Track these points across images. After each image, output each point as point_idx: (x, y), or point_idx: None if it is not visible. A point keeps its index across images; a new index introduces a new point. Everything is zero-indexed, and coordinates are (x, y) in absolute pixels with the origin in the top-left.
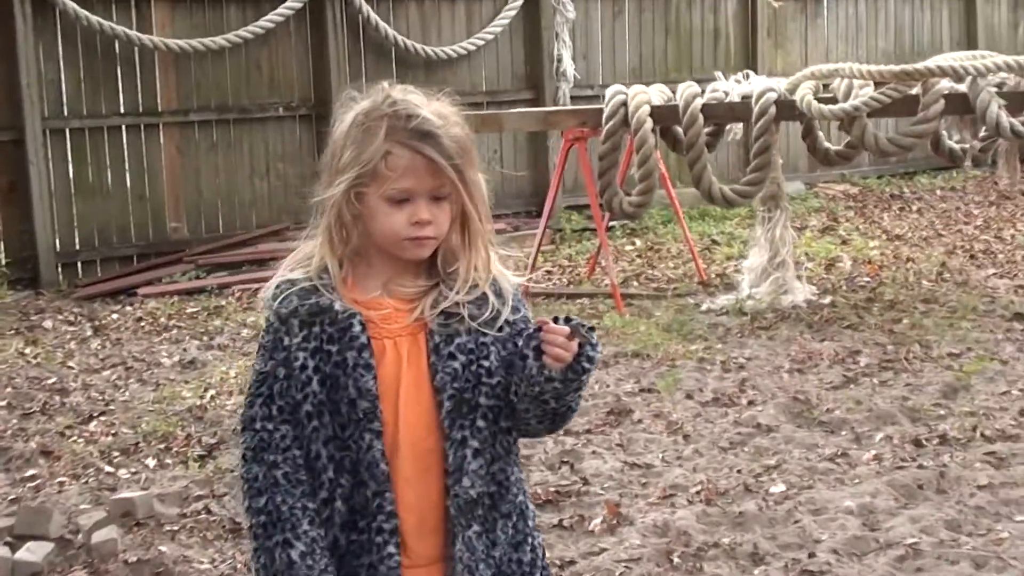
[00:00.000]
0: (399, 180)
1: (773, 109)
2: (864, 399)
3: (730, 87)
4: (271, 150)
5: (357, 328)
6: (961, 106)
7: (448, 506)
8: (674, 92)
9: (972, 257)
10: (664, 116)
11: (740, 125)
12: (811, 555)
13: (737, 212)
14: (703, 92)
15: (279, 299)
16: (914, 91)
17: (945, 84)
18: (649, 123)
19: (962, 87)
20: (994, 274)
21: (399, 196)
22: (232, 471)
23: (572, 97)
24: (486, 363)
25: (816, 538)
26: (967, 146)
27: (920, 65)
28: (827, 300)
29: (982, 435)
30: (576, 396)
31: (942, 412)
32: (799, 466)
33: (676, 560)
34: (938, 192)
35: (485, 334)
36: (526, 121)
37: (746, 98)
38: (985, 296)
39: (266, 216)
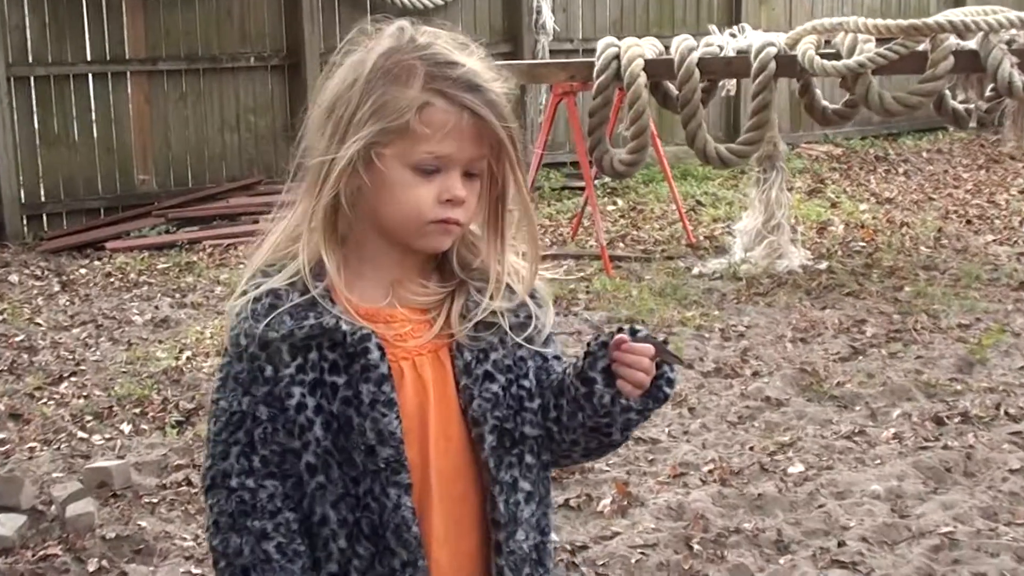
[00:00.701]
0: (437, 142)
1: (773, 65)
2: (876, 372)
3: (724, 41)
4: (242, 102)
5: (374, 354)
6: (971, 63)
7: (502, 566)
8: (666, 46)
9: (968, 223)
10: (658, 70)
11: (733, 82)
12: (841, 543)
13: (720, 172)
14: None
15: (263, 318)
16: (921, 47)
17: (953, 41)
18: (643, 78)
19: (971, 44)
20: (993, 240)
21: (432, 164)
22: None
23: (551, 51)
24: (526, 383)
25: (843, 524)
26: (971, 107)
27: (929, 19)
28: (823, 266)
29: (1006, 413)
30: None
31: (959, 388)
32: (815, 444)
33: (696, 547)
34: (924, 154)
35: (520, 346)
36: (512, 74)
37: (742, 53)
38: (987, 264)
39: (236, 169)
